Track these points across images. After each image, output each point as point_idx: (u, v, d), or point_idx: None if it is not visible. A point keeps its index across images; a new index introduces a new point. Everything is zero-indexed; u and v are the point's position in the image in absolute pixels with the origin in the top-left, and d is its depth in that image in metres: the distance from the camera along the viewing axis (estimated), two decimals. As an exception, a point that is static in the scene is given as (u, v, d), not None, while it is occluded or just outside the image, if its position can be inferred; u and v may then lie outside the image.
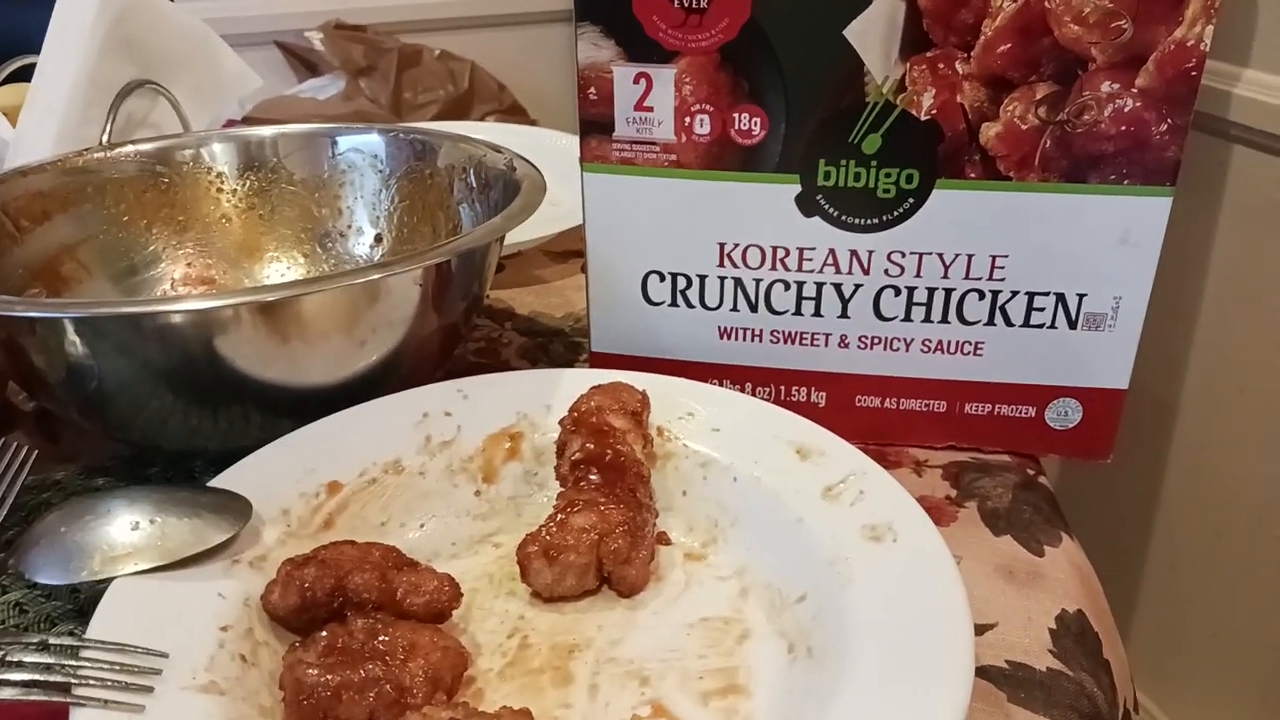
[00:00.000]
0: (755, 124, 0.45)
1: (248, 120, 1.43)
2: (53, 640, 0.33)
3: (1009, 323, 0.48)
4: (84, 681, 0.31)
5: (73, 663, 0.31)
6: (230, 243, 0.62)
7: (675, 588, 0.40)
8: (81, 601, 0.41)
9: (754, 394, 0.51)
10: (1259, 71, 1.06)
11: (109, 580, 0.35)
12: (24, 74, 0.65)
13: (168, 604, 0.35)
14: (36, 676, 0.31)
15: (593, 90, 0.46)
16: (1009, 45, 0.42)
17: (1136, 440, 1.22)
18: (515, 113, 1.80)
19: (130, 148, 0.59)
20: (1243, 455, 1.13)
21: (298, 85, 1.79)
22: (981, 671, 0.38)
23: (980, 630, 0.40)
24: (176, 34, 0.69)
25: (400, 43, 1.75)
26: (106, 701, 0.30)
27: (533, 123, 1.80)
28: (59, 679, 0.31)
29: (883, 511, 0.39)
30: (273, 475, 0.41)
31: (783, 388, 0.51)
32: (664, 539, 0.42)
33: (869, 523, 0.38)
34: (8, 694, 0.31)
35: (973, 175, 0.45)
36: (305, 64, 1.83)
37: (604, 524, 0.39)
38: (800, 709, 0.34)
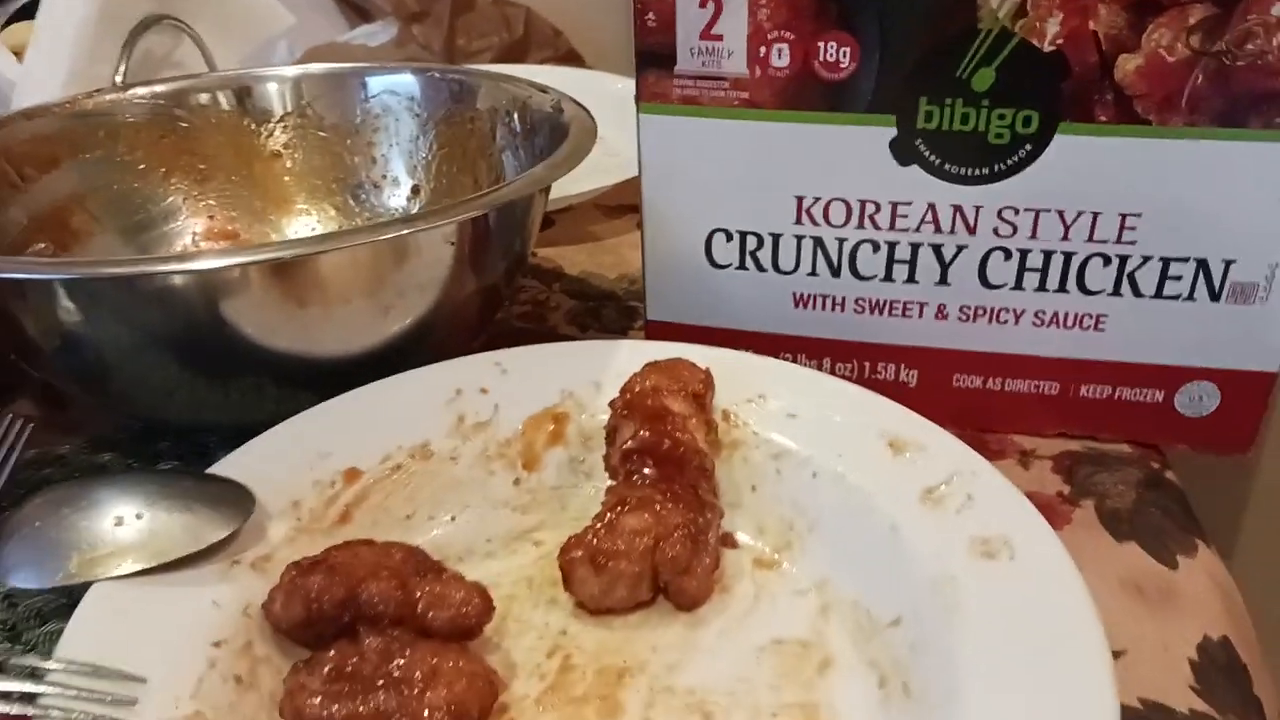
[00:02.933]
0: (844, 55, 0.38)
1: (294, 67, 1.37)
2: (14, 661, 0.28)
3: (1138, 293, 0.41)
4: (44, 713, 0.26)
5: (33, 689, 0.27)
6: (256, 194, 0.57)
7: (743, 602, 0.34)
8: (75, 595, 0.37)
9: (834, 371, 0.45)
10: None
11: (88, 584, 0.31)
12: (31, 11, 0.60)
13: (154, 615, 0.30)
14: (-10, 704, 0.27)
15: (651, 16, 0.39)
16: (1158, -43, 0.35)
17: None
18: (572, 59, 1.73)
19: (144, 89, 0.54)
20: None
21: (349, 31, 1.74)
22: (1109, 711, 0.32)
23: (1105, 659, 0.34)
24: (201, -35, 0.63)
25: (453, -14, 1.68)
26: (66, 741, 0.25)
27: (588, 70, 1.73)
28: (15, 710, 0.26)
29: (996, 521, 0.32)
30: (282, 461, 0.36)
31: (867, 364, 0.45)
32: (730, 541, 0.37)
33: (980, 534, 0.32)
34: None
35: (1104, 118, 0.38)
36: (356, 9, 1.77)
37: (660, 527, 0.33)
38: (896, 763, 0.28)
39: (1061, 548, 0.31)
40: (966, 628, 0.30)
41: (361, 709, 0.28)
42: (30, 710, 0.26)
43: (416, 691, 0.28)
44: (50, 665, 0.28)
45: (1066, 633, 0.29)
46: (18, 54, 0.58)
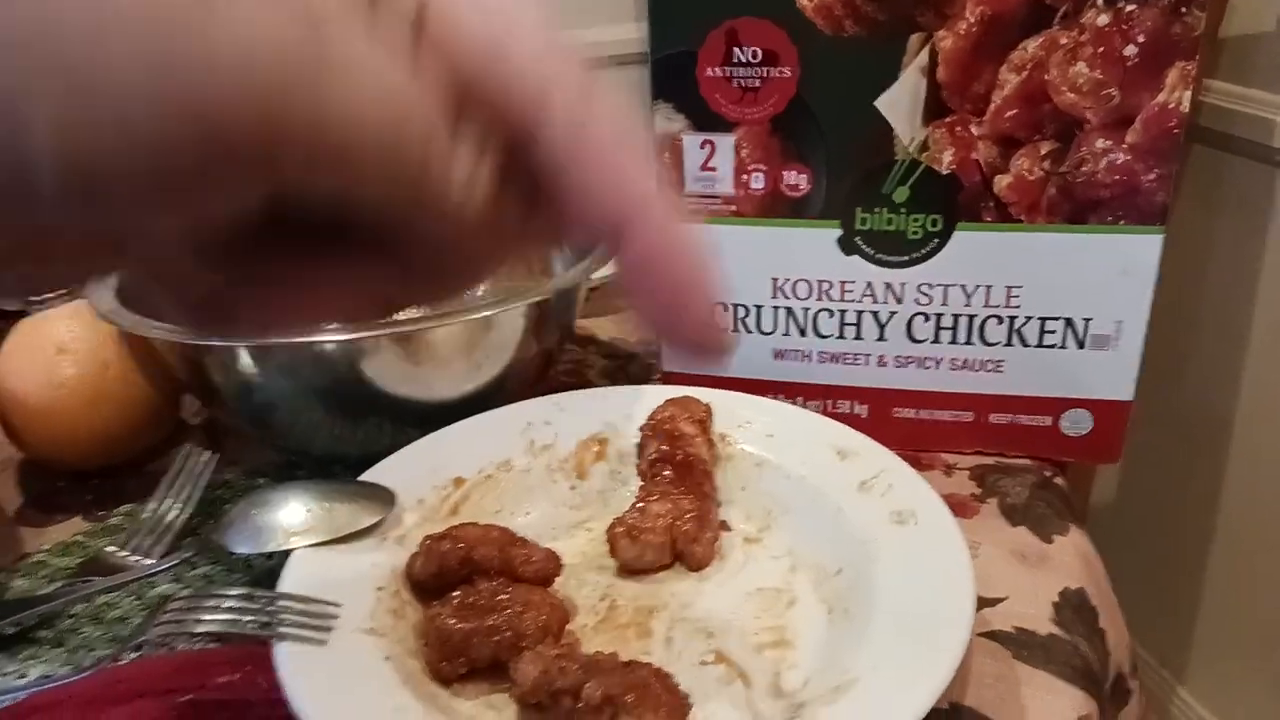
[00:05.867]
0: (801, 180, 0.54)
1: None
2: (256, 593, 0.42)
3: (1025, 344, 0.55)
4: (281, 621, 0.41)
5: (271, 608, 0.41)
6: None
7: (736, 565, 0.49)
8: (255, 575, 0.51)
9: (804, 406, 0.59)
10: (1303, 101, 1.11)
11: (288, 551, 0.45)
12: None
13: (336, 569, 0.45)
14: (243, 617, 0.41)
15: (666, 154, 0.55)
16: (1015, 111, 0.50)
17: (1194, 453, 1.27)
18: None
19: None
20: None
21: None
22: (992, 635, 0.46)
23: (993, 602, 0.48)
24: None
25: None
26: (299, 637, 0.40)
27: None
28: (263, 619, 0.41)
29: (907, 500, 0.47)
30: (410, 472, 0.51)
31: (830, 401, 0.59)
32: (726, 526, 0.51)
33: (896, 509, 0.46)
34: (221, 626, 0.41)
35: (988, 219, 0.53)
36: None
37: (676, 510, 0.48)
38: (834, 657, 0.42)
39: (951, 517, 0.45)
40: (884, 569, 0.44)
41: (482, 625, 0.42)
42: (273, 620, 0.41)
43: (516, 614, 0.43)
44: (277, 595, 0.42)
45: (947, 571, 0.43)
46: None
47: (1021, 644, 0.46)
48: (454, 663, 0.42)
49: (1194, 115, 1.23)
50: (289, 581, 0.43)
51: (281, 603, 0.42)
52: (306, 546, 0.45)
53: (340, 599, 0.43)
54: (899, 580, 0.43)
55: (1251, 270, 1.19)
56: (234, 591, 0.43)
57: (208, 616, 0.42)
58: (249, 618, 0.41)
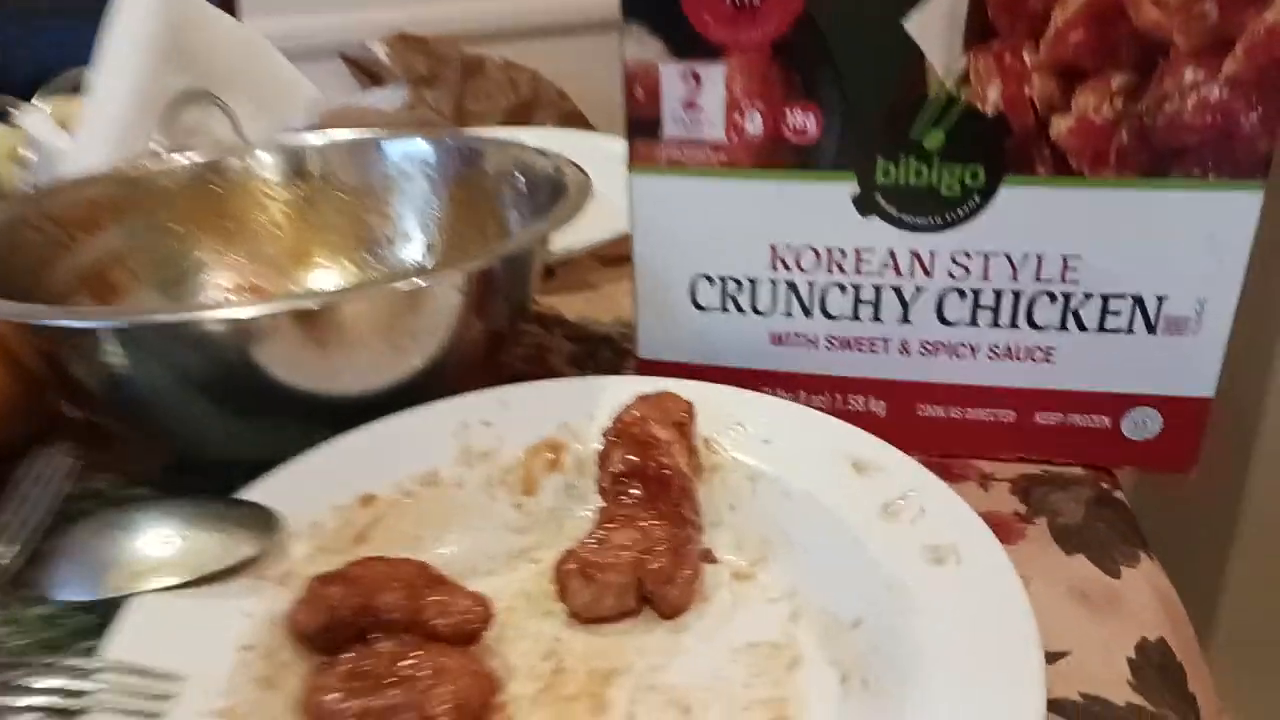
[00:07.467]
0: (809, 121, 0.43)
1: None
2: (65, 661, 0.32)
3: (1082, 327, 0.45)
4: (99, 704, 0.30)
5: (84, 686, 0.30)
6: (279, 251, 0.61)
7: (721, 609, 0.38)
8: (107, 617, 0.40)
9: (808, 403, 0.48)
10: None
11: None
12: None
13: (189, 622, 0.34)
14: (47, 701, 0.30)
15: (639, 89, 0.44)
16: (1082, 33, 0.39)
17: (1217, 450, 1.16)
18: (575, 120, 1.79)
19: (182, 157, 0.59)
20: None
21: (361, 95, 1.80)
22: (1054, 705, 0.35)
23: (1052, 659, 0.37)
24: (233, 45, 0.69)
25: (463, 52, 1.75)
26: (120, 724, 0.29)
27: (591, 129, 1.80)
28: (72, 704, 0.30)
29: (945, 531, 0.36)
30: (305, 487, 0.40)
31: (839, 396, 0.48)
32: (709, 557, 0.40)
33: (930, 543, 0.36)
34: (19, 713, 0.30)
35: (1043, 171, 0.42)
36: (369, 75, 1.84)
37: (645, 541, 0.37)
38: (852, 745, 0.31)
39: (1003, 554, 0.35)
40: (917, 627, 0.33)
41: (375, 703, 0.31)
42: (79, 703, 0.30)
43: (424, 688, 0.32)
44: (96, 664, 0.31)
45: (1005, 630, 0.32)
46: (65, 125, 0.63)
47: (1093, 718, 0.35)
48: (339, 754, 0.31)
49: None
50: (119, 642, 0.33)
51: (100, 676, 0.31)
52: (153, 590, 0.35)
53: (188, 666, 0.32)
54: (938, 645, 0.32)
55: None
56: (35, 662, 0.32)
57: (2, 700, 0.31)
58: (57, 698, 0.30)
